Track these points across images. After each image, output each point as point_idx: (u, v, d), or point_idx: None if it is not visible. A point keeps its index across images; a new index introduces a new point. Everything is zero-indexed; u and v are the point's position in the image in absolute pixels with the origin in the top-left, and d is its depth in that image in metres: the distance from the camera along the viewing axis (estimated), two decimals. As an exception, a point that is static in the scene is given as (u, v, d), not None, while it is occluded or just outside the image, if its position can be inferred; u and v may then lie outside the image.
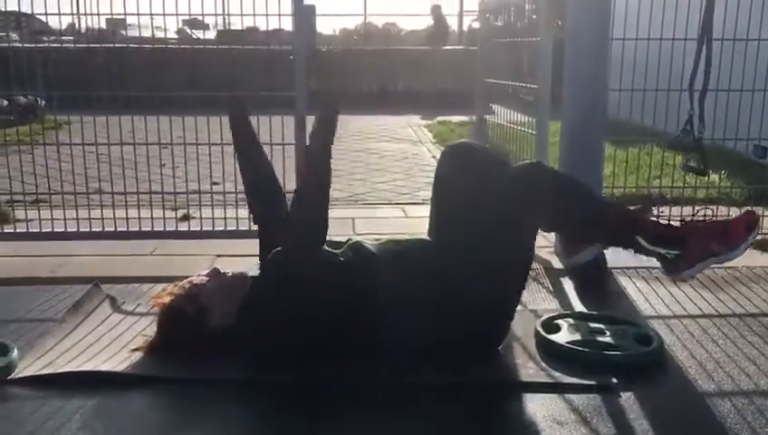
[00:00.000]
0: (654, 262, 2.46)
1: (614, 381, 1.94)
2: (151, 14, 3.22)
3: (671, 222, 2.16)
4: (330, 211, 2.05)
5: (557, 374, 1.99)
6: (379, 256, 2.09)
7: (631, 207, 2.17)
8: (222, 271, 2.15)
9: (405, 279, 2.03)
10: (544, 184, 2.05)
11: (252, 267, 2.19)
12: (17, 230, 3.34)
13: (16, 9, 3.49)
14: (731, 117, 3.28)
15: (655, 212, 2.19)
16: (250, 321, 2.03)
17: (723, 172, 4.39)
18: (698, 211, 2.19)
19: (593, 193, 2.30)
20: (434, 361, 2.00)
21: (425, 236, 2.30)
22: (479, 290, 2.01)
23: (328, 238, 2.19)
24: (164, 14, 3.21)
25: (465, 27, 14.41)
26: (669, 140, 2.81)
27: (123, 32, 4.91)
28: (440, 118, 8.86)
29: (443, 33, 13.22)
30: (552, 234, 3.03)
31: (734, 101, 3.26)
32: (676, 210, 3.47)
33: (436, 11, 13.29)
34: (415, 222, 3.94)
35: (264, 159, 2.38)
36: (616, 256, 2.74)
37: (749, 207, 2.19)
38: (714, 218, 2.12)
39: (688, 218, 2.14)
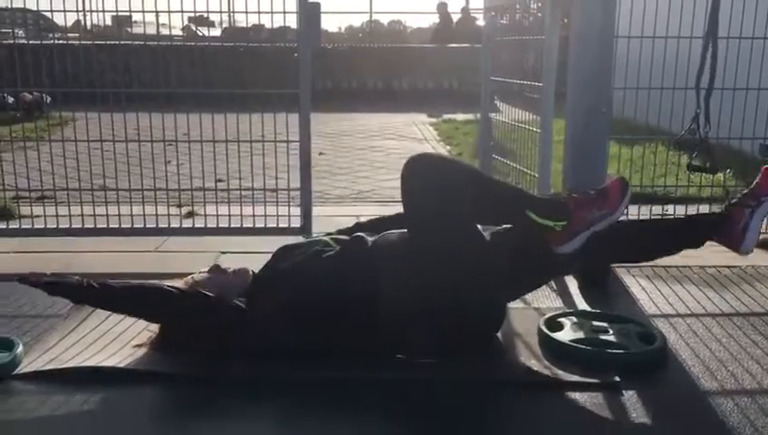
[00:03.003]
0: (660, 261, 2.48)
1: (617, 379, 1.94)
2: (156, 12, 3.23)
3: (556, 196, 2.22)
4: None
5: (560, 372, 1.99)
6: (374, 246, 2.10)
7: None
8: (223, 267, 2.15)
9: (397, 266, 2.04)
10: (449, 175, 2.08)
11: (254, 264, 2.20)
12: (23, 226, 3.35)
13: (23, 6, 3.49)
14: (736, 116, 3.27)
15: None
16: (252, 318, 2.03)
17: (728, 171, 4.37)
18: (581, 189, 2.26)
19: (482, 174, 2.41)
20: (436, 357, 2.00)
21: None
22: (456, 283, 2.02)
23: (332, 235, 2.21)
24: (169, 11, 3.22)
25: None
26: (675, 139, 2.80)
27: (129, 29, 4.92)
28: (445, 116, 8.84)
29: (448, 31, 13.19)
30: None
31: (739, 100, 3.25)
32: (681, 209, 3.47)
33: (442, 8, 13.26)
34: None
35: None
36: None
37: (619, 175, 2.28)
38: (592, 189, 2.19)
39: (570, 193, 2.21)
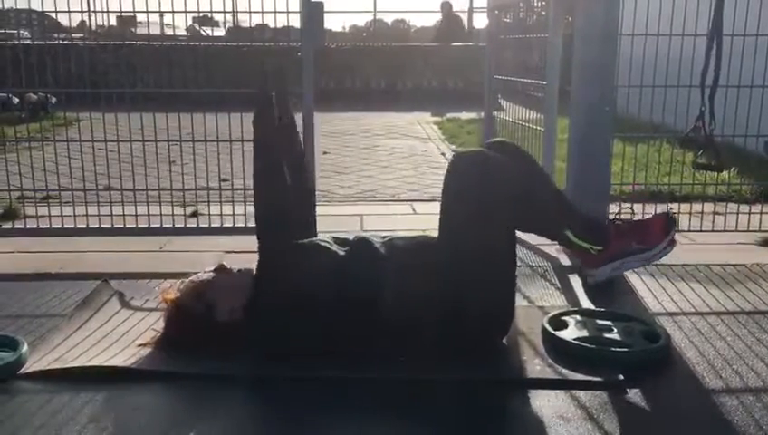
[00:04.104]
0: (665, 259, 2.47)
1: (621, 377, 1.94)
2: (161, 12, 3.24)
3: (599, 218, 2.19)
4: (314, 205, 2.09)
5: (564, 371, 1.99)
6: (382, 251, 2.09)
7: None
8: (228, 266, 2.16)
9: (406, 275, 2.03)
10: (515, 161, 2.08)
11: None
12: (27, 226, 3.36)
13: (27, 7, 3.51)
14: (741, 113, 3.26)
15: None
16: (257, 317, 2.04)
17: (733, 169, 4.37)
18: (622, 209, 2.22)
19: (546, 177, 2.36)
20: (439, 357, 2.00)
21: (432, 233, 2.30)
22: (479, 287, 2.01)
23: (334, 235, 2.21)
24: (173, 12, 3.22)
25: (474, 24, 14.34)
26: (681, 138, 2.80)
27: (133, 29, 4.94)
28: (449, 115, 8.84)
29: (452, 30, 13.18)
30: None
31: (744, 98, 3.24)
32: (685, 207, 3.47)
33: (446, 8, 13.25)
34: (423, 219, 3.94)
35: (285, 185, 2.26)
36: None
37: (668, 210, 2.24)
38: (635, 218, 2.15)
39: (612, 216, 2.17)
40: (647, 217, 2.17)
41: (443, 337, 1.99)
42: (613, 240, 2.00)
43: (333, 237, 2.20)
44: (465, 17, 14.28)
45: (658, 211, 2.16)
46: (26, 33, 4.20)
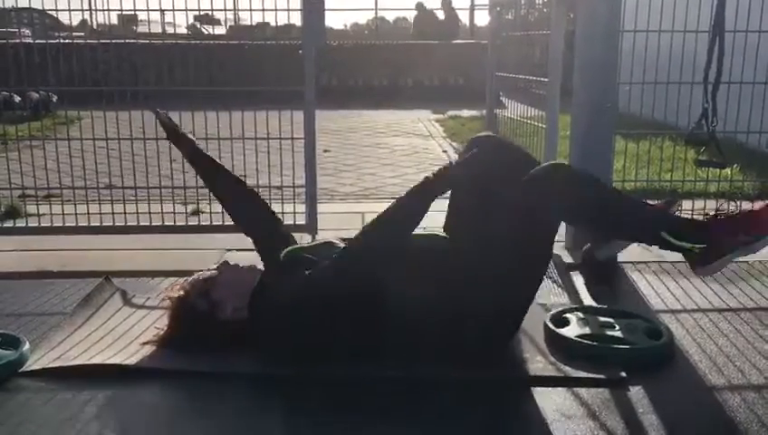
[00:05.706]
0: (668, 256, 2.46)
1: (623, 375, 1.93)
2: (162, 10, 3.24)
3: (694, 217, 2.15)
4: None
5: (566, 368, 1.98)
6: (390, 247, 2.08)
7: (653, 203, 2.17)
8: (232, 263, 2.15)
9: (416, 275, 2.02)
10: (565, 186, 2.03)
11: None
12: (29, 224, 3.37)
13: (29, 5, 3.51)
14: (743, 110, 3.25)
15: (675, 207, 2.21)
16: (260, 315, 2.03)
17: (735, 166, 4.36)
18: (720, 205, 2.18)
19: (614, 190, 2.34)
20: (442, 355, 2.00)
21: (438, 231, 2.29)
22: (489, 290, 1.99)
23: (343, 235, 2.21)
24: (174, 10, 3.22)
25: (476, 21, 14.34)
26: (686, 134, 2.79)
27: (134, 28, 4.94)
28: (451, 112, 8.84)
29: (453, 28, 13.18)
30: (563, 229, 3.01)
31: (746, 94, 3.23)
32: (688, 204, 3.46)
33: (447, 5, 13.24)
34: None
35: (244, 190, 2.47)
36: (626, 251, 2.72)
37: None
38: (736, 211, 2.10)
39: (711, 213, 2.12)
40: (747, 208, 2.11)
41: (449, 336, 1.97)
42: (715, 235, 1.93)
43: (339, 238, 2.20)
44: (466, 14, 14.29)
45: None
46: (27, 31, 4.20)
